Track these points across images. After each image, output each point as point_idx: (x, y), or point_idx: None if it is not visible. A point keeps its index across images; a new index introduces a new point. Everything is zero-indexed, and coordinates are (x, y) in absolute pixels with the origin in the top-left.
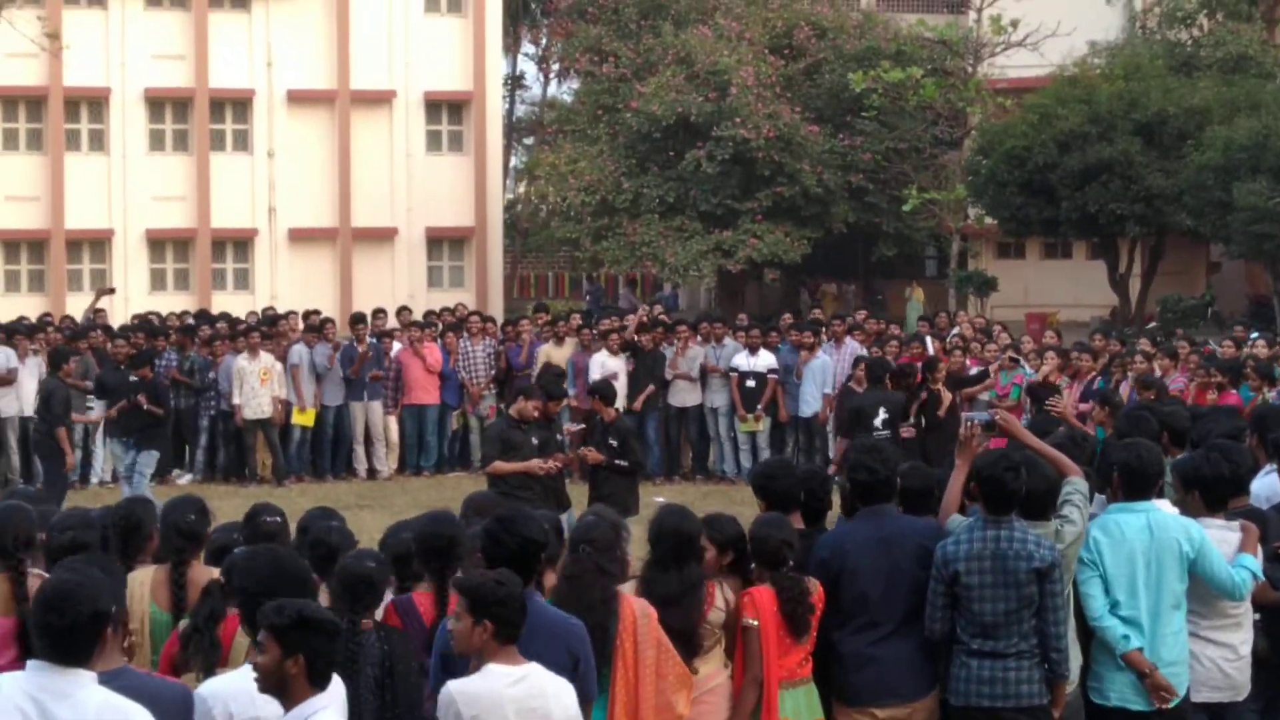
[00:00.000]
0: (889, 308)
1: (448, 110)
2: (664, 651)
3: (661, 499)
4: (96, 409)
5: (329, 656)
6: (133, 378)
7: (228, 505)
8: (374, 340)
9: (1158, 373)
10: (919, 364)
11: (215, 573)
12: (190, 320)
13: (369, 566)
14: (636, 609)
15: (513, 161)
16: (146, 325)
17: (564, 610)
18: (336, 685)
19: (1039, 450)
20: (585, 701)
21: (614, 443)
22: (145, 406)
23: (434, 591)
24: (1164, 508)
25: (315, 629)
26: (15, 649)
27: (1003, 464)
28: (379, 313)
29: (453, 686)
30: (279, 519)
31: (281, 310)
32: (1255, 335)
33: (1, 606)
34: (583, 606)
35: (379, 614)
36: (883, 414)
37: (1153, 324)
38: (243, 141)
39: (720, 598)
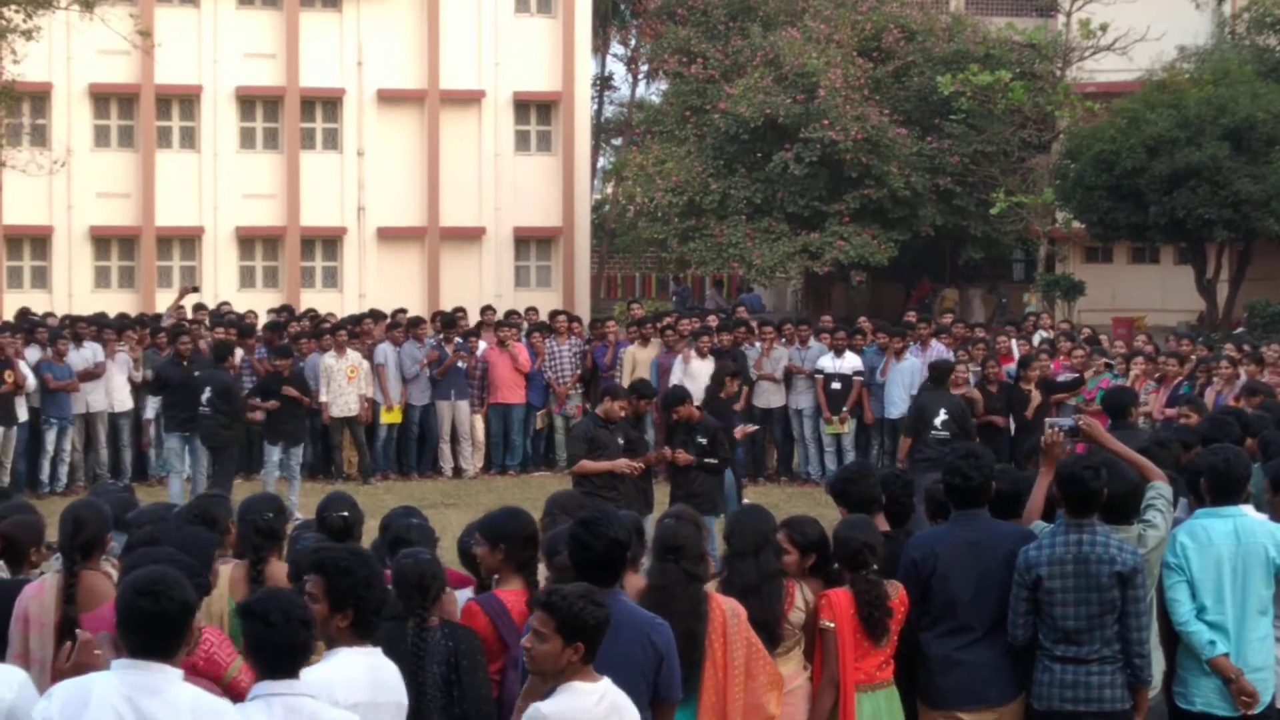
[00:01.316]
0: (1012, 311)
1: (536, 110)
2: (755, 651)
3: (745, 500)
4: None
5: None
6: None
7: (313, 502)
8: (461, 342)
9: (1243, 378)
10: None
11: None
12: (278, 317)
13: (425, 561)
14: (726, 609)
15: (600, 162)
16: (237, 322)
17: None
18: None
19: (1123, 455)
20: (670, 701)
21: (703, 440)
22: (298, 398)
23: (524, 587)
24: (1250, 513)
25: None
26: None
27: (1083, 464)
28: (459, 311)
29: (545, 709)
30: (346, 514)
31: (369, 308)
32: None
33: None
34: (670, 614)
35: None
36: (943, 415)
37: (1240, 329)
38: (332, 140)
39: (800, 598)
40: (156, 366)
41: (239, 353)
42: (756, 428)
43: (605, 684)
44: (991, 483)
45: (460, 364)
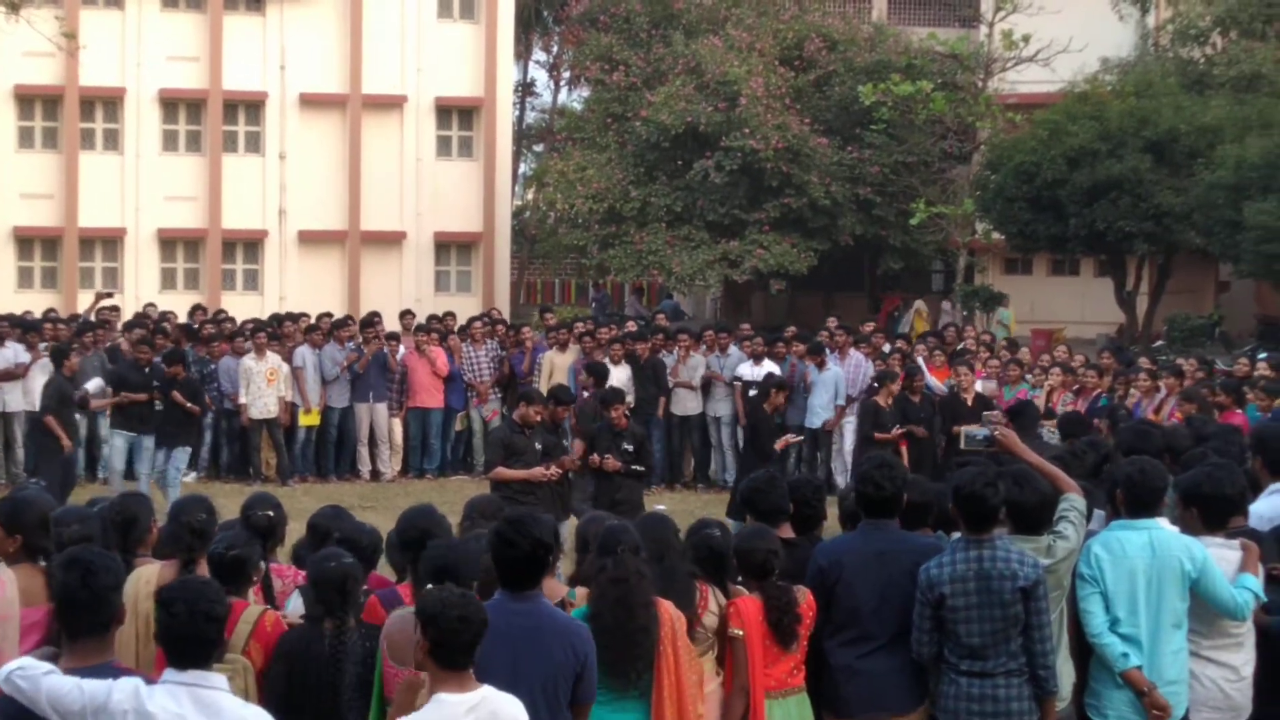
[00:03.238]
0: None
1: (458, 116)
2: (690, 654)
3: (662, 507)
4: (96, 392)
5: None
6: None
7: (232, 503)
8: (383, 353)
9: (1163, 391)
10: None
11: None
12: (197, 319)
13: (347, 565)
14: (673, 613)
15: (521, 168)
16: (147, 323)
17: (609, 614)
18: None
19: (1036, 466)
20: (587, 703)
21: (629, 448)
22: (185, 404)
23: (413, 584)
24: (1166, 526)
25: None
26: (40, 635)
27: (981, 480)
28: (375, 316)
29: None
30: (271, 513)
31: (289, 312)
32: (1263, 355)
33: (27, 597)
34: (628, 610)
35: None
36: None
37: (1160, 342)
38: (255, 143)
39: (714, 601)
40: (117, 370)
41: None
42: (800, 438)
43: (482, 693)
44: (903, 494)
45: (384, 350)
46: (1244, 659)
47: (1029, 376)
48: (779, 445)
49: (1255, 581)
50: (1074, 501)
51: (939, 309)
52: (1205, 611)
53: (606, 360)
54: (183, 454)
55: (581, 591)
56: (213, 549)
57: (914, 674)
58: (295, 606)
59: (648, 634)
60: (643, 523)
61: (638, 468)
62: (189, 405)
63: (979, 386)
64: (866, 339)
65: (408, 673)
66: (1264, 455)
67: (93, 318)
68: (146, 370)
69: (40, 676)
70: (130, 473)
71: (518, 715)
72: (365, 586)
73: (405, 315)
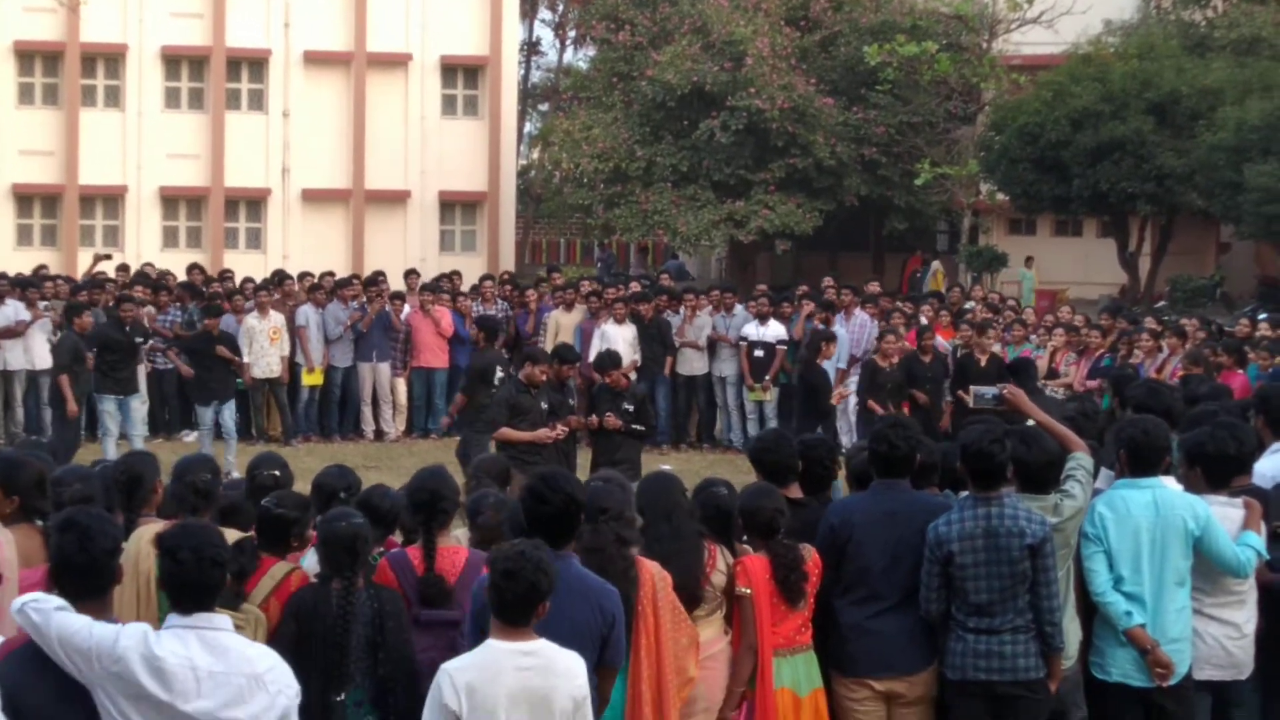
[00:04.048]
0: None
1: (463, 74)
2: (678, 615)
3: (667, 467)
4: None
5: None
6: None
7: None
8: (386, 313)
9: (1165, 351)
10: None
11: (232, 532)
12: (194, 279)
13: (357, 524)
14: (655, 573)
15: (527, 127)
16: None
17: None
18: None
19: (1045, 425)
20: (614, 667)
21: (629, 408)
22: (231, 358)
23: (423, 546)
24: (1170, 484)
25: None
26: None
27: (988, 437)
28: (380, 275)
29: (448, 666)
30: (278, 473)
31: (293, 271)
32: (1264, 316)
33: (25, 558)
34: (603, 576)
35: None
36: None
37: (1162, 303)
38: (258, 101)
39: (722, 560)
40: (99, 329)
41: (150, 311)
42: (851, 392)
43: (537, 645)
44: (916, 454)
45: (387, 309)
46: (1246, 616)
47: (1033, 337)
48: (834, 400)
49: (1258, 539)
50: (1081, 460)
51: (957, 269)
52: (1208, 569)
53: (611, 320)
54: (229, 408)
55: None
56: (263, 503)
57: (924, 634)
58: (309, 564)
59: (626, 601)
60: (649, 481)
61: (638, 427)
62: (233, 358)
63: (944, 345)
64: (873, 299)
65: None
66: (1267, 414)
67: (91, 278)
68: (128, 329)
69: (52, 611)
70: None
71: (575, 670)
72: (381, 549)
73: (410, 275)
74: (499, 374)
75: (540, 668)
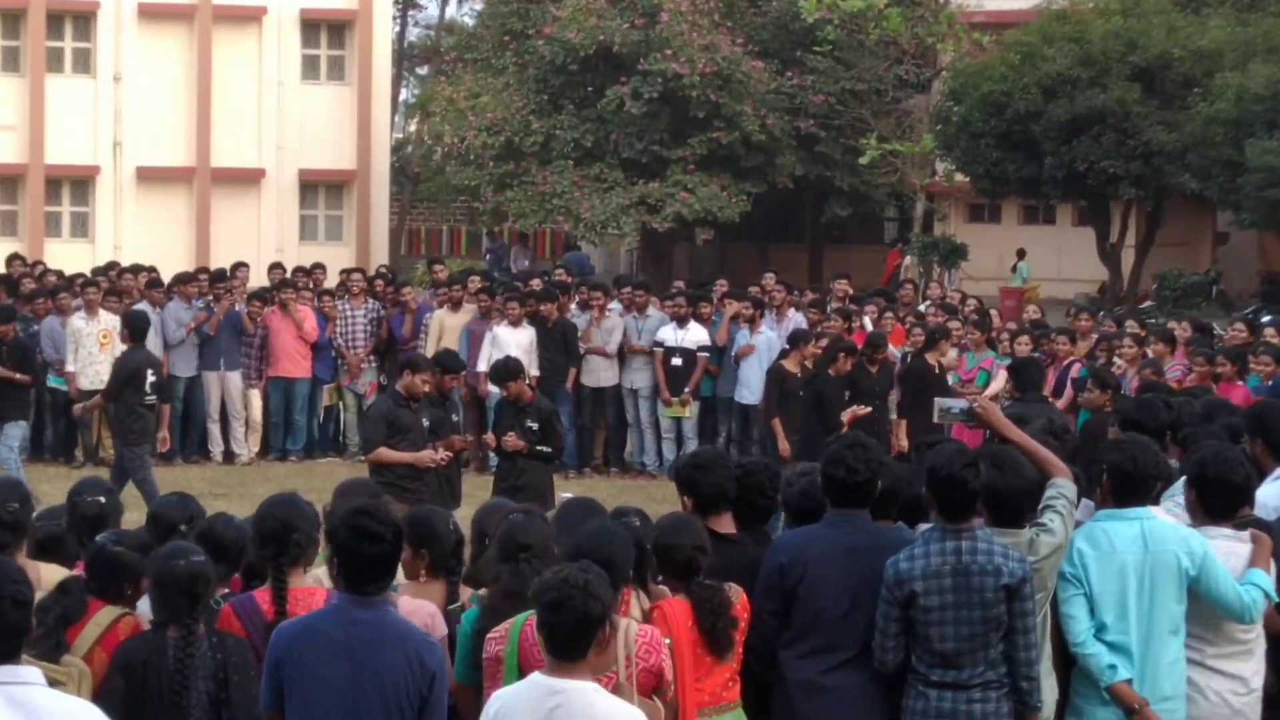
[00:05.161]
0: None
1: (327, 31)
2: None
3: (569, 494)
4: None
5: None
6: None
7: (58, 489)
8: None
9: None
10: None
11: (52, 568)
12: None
13: (197, 563)
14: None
15: (403, 94)
16: None
17: (492, 627)
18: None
19: (1022, 445)
20: None
21: (534, 425)
22: (12, 376)
23: (272, 587)
24: (1159, 515)
25: None
26: None
27: (960, 462)
28: (240, 267)
29: (499, 692)
30: (103, 499)
31: (126, 263)
32: (1267, 318)
33: None
34: None
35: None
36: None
37: (1148, 303)
38: (84, 62)
39: (636, 605)
40: None
41: None
42: (868, 410)
43: (577, 686)
44: (878, 480)
45: (238, 309)
46: (1254, 669)
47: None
48: (846, 418)
49: (1266, 579)
50: (1063, 488)
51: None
52: (1209, 614)
53: (504, 323)
54: (15, 429)
55: (485, 594)
56: (99, 539)
57: (886, 692)
58: (144, 610)
59: None
60: (567, 510)
61: (543, 449)
62: (16, 376)
63: (893, 353)
64: (820, 301)
65: None
66: (1265, 437)
67: None
68: None
69: None
70: None
71: (617, 716)
72: (226, 589)
73: (274, 269)
74: (150, 377)
75: (566, 704)
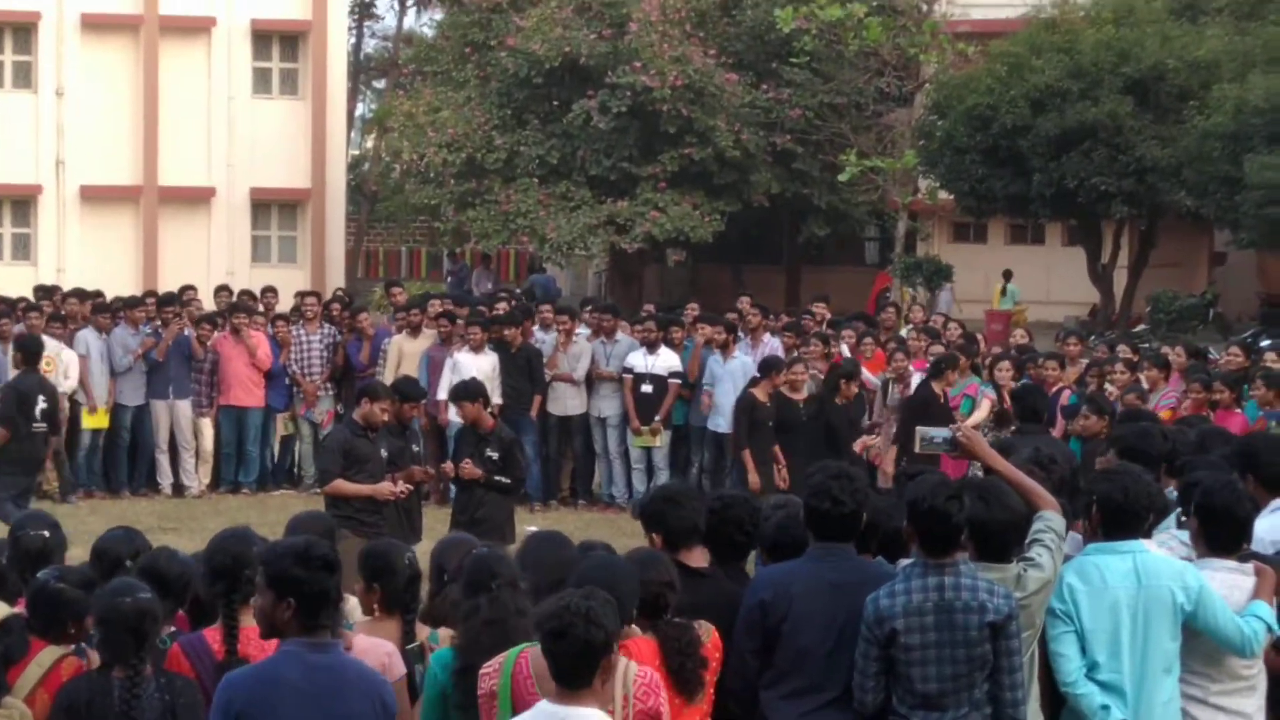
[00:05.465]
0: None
1: (279, 43)
2: None
3: (534, 528)
4: None
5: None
6: None
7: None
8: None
9: (1144, 385)
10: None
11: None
12: None
13: (144, 600)
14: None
15: (359, 109)
16: None
17: (478, 660)
18: None
19: (1008, 476)
20: None
21: (494, 455)
22: None
23: (223, 625)
24: (1151, 548)
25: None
26: None
27: (943, 493)
28: (188, 290)
29: None
30: (47, 534)
31: (69, 286)
32: (1266, 343)
33: None
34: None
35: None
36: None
37: (1141, 326)
38: (24, 76)
39: None
40: None
41: None
42: (875, 440)
43: (585, 715)
44: (863, 512)
45: (187, 334)
46: (1256, 704)
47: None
48: (858, 447)
49: (1268, 610)
50: (1050, 521)
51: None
52: (1210, 649)
53: (466, 348)
54: None
55: (445, 633)
56: (41, 576)
57: None
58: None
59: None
60: (535, 543)
61: (502, 479)
62: None
63: (872, 380)
64: (796, 324)
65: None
66: (1257, 472)
67: None
68: None
69: None
70: None
71: None
72: (173, 628)
73: (221, 292)
74: (41, 404)
75: None
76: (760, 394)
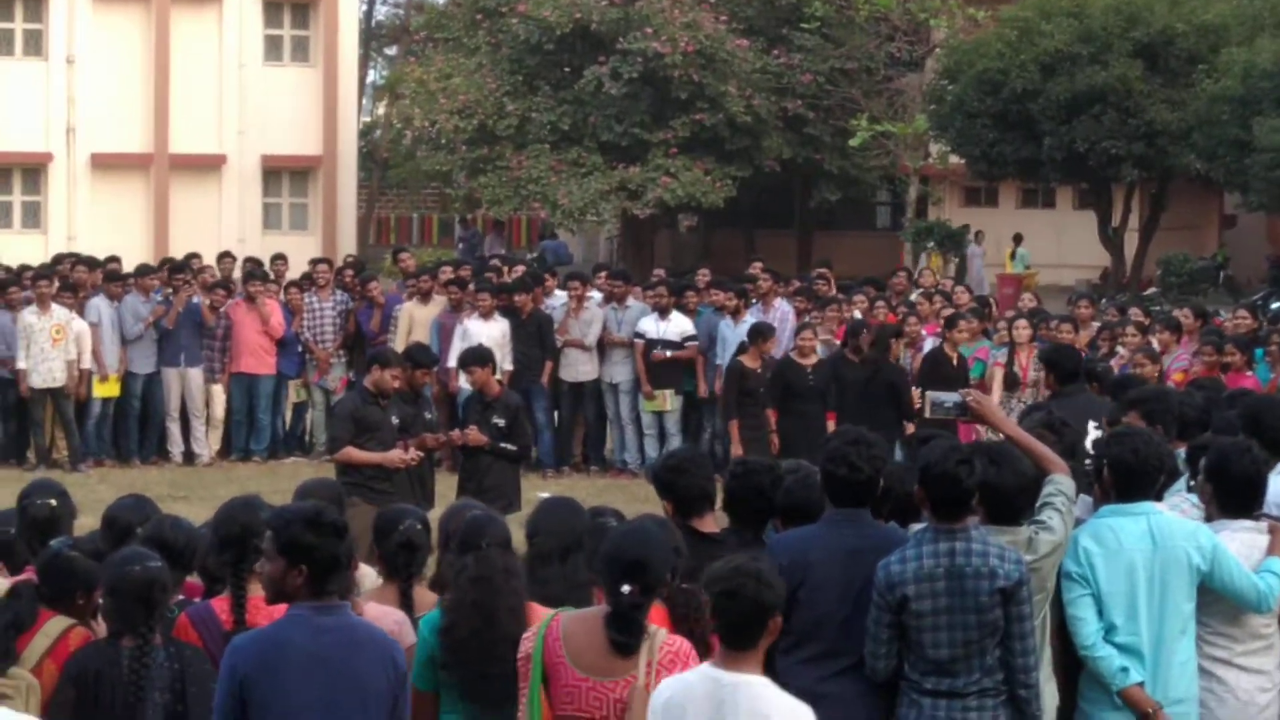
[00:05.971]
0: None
1: (290, 10)
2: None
3: (546, 494)
4: None
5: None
6: None
7: (7, 493)
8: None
9: (1156, 347)
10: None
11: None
12: None
13: (153, 569)
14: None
15: (370, 76)
16: None
17: (465, 622)
18: None
19: (1018, 440)
20: None
21: (500, 422)
22: None
23: (231, 594)
24: (1164, 510)
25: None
26: None
27: (954, 458)
28: (193, 258)
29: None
30: (54, 501)
31: (81, 255)
32: (1277, 305)
33: None
34: (487, 617)
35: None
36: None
37: (1152, 289)
38: (36, 45)
39: None
40: None
41: None
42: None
43: (747, 680)
44: (880, 478)
45: (198, 301)
46: (1275, 662)
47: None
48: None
49: None
50: (1061, 485)
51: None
52: (1231, 609)
53: (475, 315)
54: None
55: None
56: (53, 544)
57: (882, 699)
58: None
59: (512, 644)
60: (548, 508)
61: (508, 446)
62: None
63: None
64: (807, 289)
65: (591, 683)
66: (1261, 435)
67: None
68: None
69: None
70: None
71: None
72: (180, 596)
73: (224, 258)
74: None
75: (736, 697)
76: (749, 361)
